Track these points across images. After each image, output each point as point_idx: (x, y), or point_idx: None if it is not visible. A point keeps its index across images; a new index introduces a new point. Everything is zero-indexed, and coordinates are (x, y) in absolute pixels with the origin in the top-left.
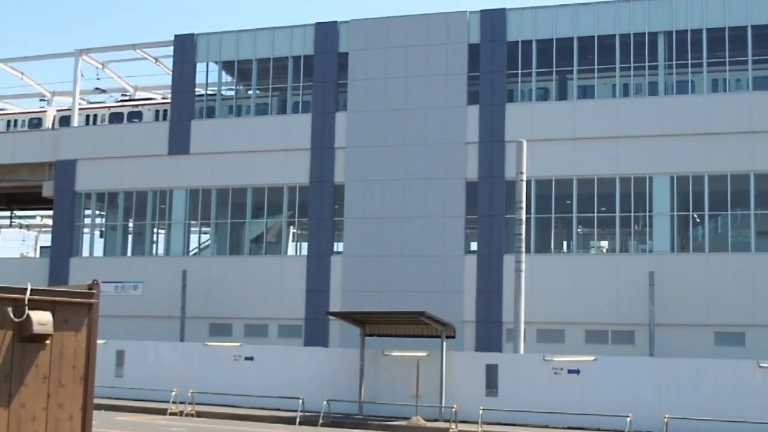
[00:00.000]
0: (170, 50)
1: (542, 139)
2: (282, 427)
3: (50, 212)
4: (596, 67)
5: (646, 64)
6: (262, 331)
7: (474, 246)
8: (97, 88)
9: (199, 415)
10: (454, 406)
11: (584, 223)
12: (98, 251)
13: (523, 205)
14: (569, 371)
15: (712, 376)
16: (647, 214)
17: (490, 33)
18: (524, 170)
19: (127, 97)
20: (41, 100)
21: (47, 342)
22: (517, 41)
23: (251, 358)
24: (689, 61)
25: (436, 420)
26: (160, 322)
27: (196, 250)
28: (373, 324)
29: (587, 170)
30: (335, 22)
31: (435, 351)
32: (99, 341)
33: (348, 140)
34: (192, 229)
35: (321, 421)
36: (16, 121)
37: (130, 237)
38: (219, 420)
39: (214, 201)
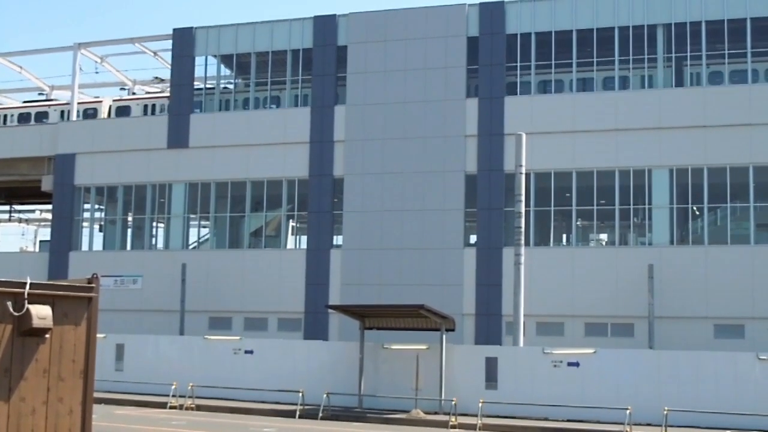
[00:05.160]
0: (169, 44)
1: (541, 132)
2: (282, 420)
3: (49, 206)
4: (595, 59)
5: (645, 56)
6: (261, 324)
7: (473, 239)
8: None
9: (199, 408)
10: (454, 398)
11: (583, 215)
12: (97, 245)
13: (523, 197)
14: (569, 364)
15: (711, 368)
16: (646, 206)
17: (489, 26)
18: (523, 163)
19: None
20: (40, 94)
21: (47, 336)
22: (516, 34)
23: (251, 352)
24: (688, 54)
25: (435, 413)
26: (159, 316)
27: (196, 244)
28: (372, 317)
29: (586, 163)
30: (334, 15)
31: (434, 344)
32: (99, 335)
33: (347, 133)
34: (191, 222)
35: (321, 414)
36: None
37: (129, 231)
38: (219, 413)
39: (213, 194)
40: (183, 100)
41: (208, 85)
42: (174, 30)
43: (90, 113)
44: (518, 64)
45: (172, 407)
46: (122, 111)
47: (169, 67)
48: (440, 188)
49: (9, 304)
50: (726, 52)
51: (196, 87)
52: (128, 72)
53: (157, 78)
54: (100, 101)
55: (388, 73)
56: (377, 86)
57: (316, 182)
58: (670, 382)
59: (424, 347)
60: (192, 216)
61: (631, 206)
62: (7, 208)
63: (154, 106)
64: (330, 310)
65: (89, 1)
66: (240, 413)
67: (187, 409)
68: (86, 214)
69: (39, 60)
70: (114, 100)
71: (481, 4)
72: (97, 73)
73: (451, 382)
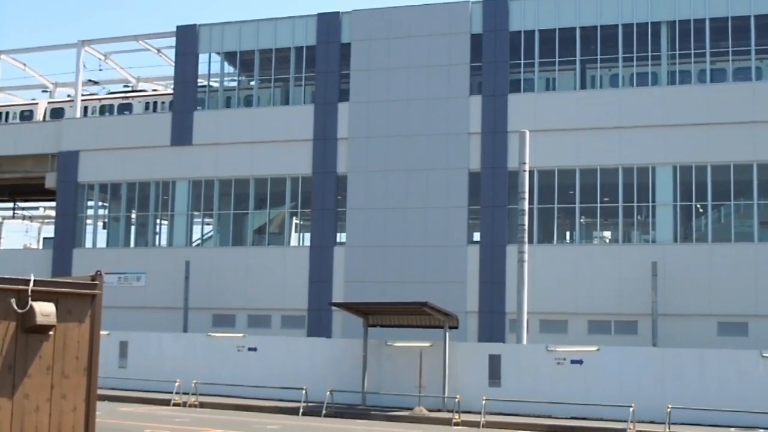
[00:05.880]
0: (172, 41)
1: (545, 129)
2: (285, 418)
3: (53, 203)
4: (599, 57)
5: (649, 53)
6: (265, 321)
7: (477, 236)
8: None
9: (203, 405)
10: (457, 396)
11: (587, 213)
12: (101, 242)
13: (526, 195)
14: (572, 361)
15: (714, 366)
16: (650, 204)
17: (492, 23)
18: (527, 160)
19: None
20: (43, 91)
21: (50, 333)
22: (520, 31)
23: (254, 349)
24: (692, 51)
25: (439, 410)
26: (163, 313)
27: (199, 241)
28: (376, 314)
29: (590, 160)
30: (337, 12)
31: (438, 341)
32: (102, 332)
33: (350, 131)
34: (195, 219)
35: (324, 411)
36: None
37: (133, 228)
38: (222, 410)
39: (216, 192)
40: (186, 97)
41: (211, 83)
42: (178, 27)
43: (26, 115)
44: (522, 62)
45: (175, 404)
46: (56, 113)
47: (173, 64)
48: (444, 186)
49: (13, 301)
50: (730, 49)
51: (199, 84)
52: (132, 69)
53: (90, 81)
54: (36, 103)
55: (391, 71)
56: (381, 83)
57: (320, 179)
58: (674, 380)
59: (427, 344)
60: (195, 213)
61: (635, 204)
62: (11, 205)
63: (86, 108)
64: (333, 308)
65: None
66: (243, 410)
67: (190, 406)
68: (90, 212)
69: (42, 57)
70: (49, 102)
71: (484, 1)
72: (100, 70)
73: (454, 379)
